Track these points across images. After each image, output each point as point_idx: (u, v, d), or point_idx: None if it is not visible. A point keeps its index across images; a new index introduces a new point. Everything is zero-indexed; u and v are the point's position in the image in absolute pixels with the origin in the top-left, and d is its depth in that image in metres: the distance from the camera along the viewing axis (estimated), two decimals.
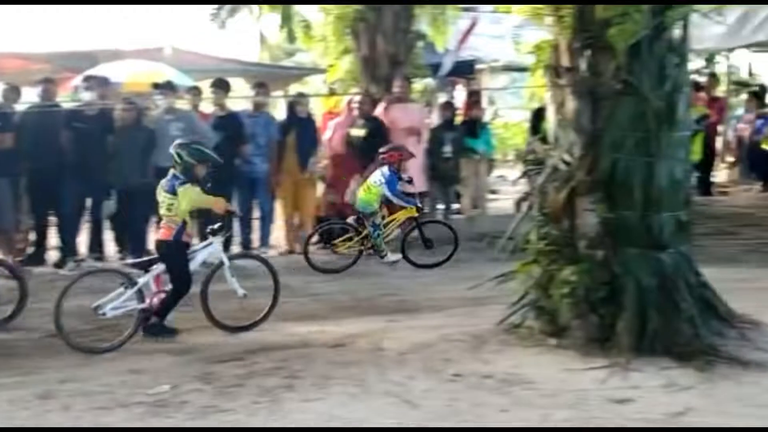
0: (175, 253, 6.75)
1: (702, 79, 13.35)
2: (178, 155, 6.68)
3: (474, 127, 11.53)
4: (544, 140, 6.64)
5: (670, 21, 5.81)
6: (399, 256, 9.29)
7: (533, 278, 6.42)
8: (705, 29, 16.16)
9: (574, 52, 6.04)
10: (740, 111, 13.06)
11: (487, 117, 15.56)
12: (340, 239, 9.41)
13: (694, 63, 17.36)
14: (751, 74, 18.06)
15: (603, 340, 5.94)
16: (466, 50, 14.17)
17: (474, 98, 13.10)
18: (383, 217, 9.28)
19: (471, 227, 10.75)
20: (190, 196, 6.63)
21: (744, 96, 12.95)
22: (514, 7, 7.13)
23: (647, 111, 5.83)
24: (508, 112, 21.65)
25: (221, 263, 7.03)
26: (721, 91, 15.97)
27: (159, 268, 6.74)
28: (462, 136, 11.14)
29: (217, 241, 7.04)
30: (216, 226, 7.04)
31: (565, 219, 6.26)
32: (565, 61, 6.13)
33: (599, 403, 5.14)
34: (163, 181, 6.79)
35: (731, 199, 10.77)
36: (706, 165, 11.57)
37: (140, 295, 6.67)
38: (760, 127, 11.19)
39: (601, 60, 5.90)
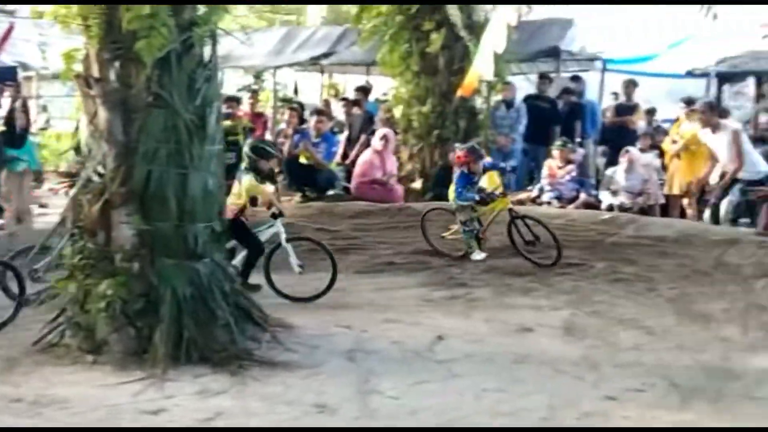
0: (237, 228, 7.64)
1: (246, 95, 13.89)
2: (246, 152, 8.10)
3: (14, 137, 10.81)
4: (78, 151, 6.42)
5: (197, 37, 5.92)
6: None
7: (70, 294, 6.18)
8: (254, 48, 16.96)
9: (104, 63, 5.92)
10: (283, 125, 13.84)
11: (36, 126, 14.74)
12: None
13: (244, 79, 18.12)
14: (296, 91, 19.18)
15: (141, 353, 5.90)
16: (8, 56, 13.27)
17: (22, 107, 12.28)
18: None
19: (12, 243, 10.04)
20: (247, 185, 7.80)
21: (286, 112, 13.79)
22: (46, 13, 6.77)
23: (179, 124, 5.90)
24: (61, 122, 20.67)
25: (280, 243, 8.01)
26: (269, 106, 16.84)
27: (232, 242, 7.55)
28: (2, 147, 10.38)
29: (278, 223, 8.01)
30: (277, 210, 8.08)
31: (101, 232, 6.12)
32: (95, 72, 5.98)
33: (132, 416, 5.06)
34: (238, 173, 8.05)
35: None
36: None
37: None
38: (296, 141, 11.92)
39: (131, 72, 5.85)
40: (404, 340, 6.66)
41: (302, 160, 11.75)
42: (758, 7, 16.67)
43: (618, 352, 6.44)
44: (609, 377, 5.89)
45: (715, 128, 9.57)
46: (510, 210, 9.09)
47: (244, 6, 16.50)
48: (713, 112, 9.86)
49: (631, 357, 6.26)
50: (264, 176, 8.14)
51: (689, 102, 11.21)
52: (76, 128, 9.97)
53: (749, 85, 14.25)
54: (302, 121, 13.13)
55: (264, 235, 8.06)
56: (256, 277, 7.84)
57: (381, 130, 11.96)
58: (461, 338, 6.74)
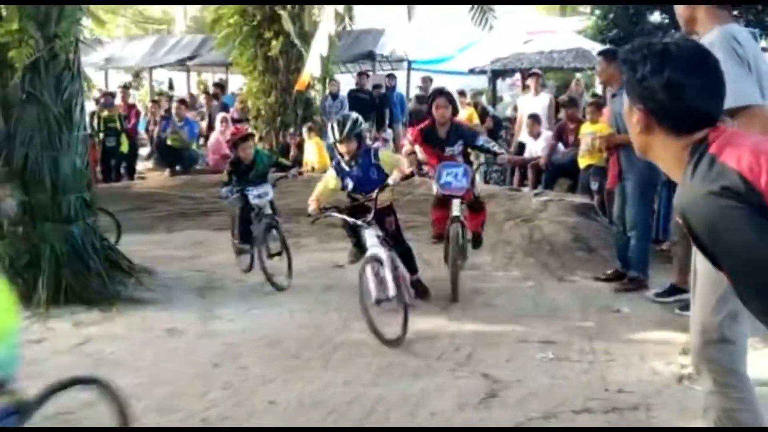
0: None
1: (119, 91, 13.63)
2: None
3: None
4: None
5: (61, 46, 5.95)
6: None
7: None
8: (130, 51, 16.58)
9: None
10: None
11: None
12: None
13: (125, 77, 17.69)
14: (171, 87, 18.90)
15: (28, 298, 5.90)
16: None
17: None
18: None
19: None
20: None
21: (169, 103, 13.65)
22: None
23: (49, 116, 5.95)
24: None
25: None
26: (147, 100, 16.53)
27: None
28: None
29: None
30: None
31: None
32: None
33: (22, 344, 5.13)
34: None
35: (148, 182, 11.26)
36: (130, 157, 11.91)
37: None
38: (164, 126, 11.88)
39: (7, 74, 5.85)
40: (245, 279, 6.90)
41: (169, 142, 11.72)
42: (524, 17, 17.75)
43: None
44: None
45: None
46: None
47: (124, 17, 16.08)
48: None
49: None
50: None
51: (462, 93, 11.87)
52: None
53: (518, 79, 15.10)
54: (168, 110, 13.05)
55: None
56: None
57: (219, 115, 12.09)
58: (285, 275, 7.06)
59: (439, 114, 6.28)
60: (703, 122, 1.78)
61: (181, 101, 12.10)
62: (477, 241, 6.72)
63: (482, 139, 6.67)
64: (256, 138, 12.45)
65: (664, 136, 1.81)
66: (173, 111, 11.91)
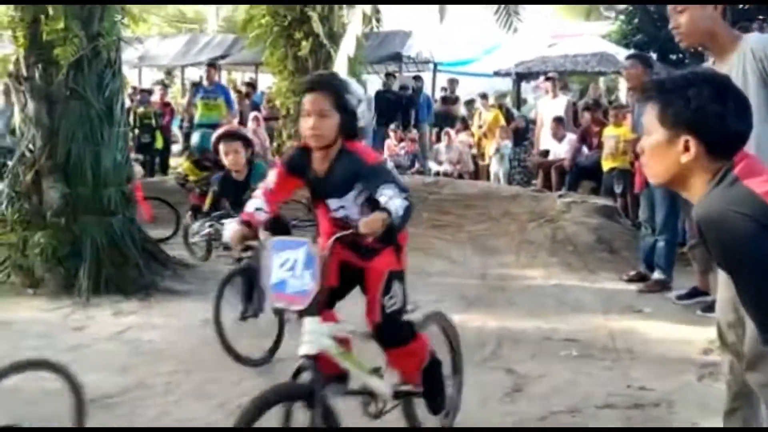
0: None
1: (157, 89, 13.82)
2: None
3: None
4: (13, 133, 6.51)
5: (104, 44, 6.10)
6: None
7: (12, 244, 6.30)
8: (165, 50, 16.81)
9: (30, 65, 6.04)
10: None
11: None
12: None
13: (158, 75, 17.91)
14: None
15: (69, 287, 6.06)
16: None
17: None
18: None
19: None
20: None
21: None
22: None
23: (91, 112, 6.09)
24: None
25: None
26: (179, 97, 16.75)
27: None
28: None
29: None
30: None
31: (34, 195, 6.26)
32: (24, 71, 6.09)
33: (62, 331, 5.26)
34: None
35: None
36: (164, 153, 12.05)
37: None
38: (195, 92, 11.46)
39: (52, 72, 6.00)
40: None
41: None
42: (549, 21, 17.72)
43: (429, 276, 6.91)
44: (419, 294, 6.43)
45: None
46: None
47: (158, 15, 16.33)
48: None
49: (437, 279, 6.72)
50: None
51: (484, 96, 11.89)
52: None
53: (542, 82, 15.07)
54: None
55: None
56: None
57: (252, 114, 12.19)
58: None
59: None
60: (741, 145, 1.88)
61: (211, 64, 11.91)
62: (432, 403, 3.32)
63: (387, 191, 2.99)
64: (285, 135, 12.75)
65: (707, 163, 1.86)
66: (204, 77, 11.56)
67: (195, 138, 9.40)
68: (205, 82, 11.38)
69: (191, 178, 8.05)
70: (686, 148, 1.86)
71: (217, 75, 11.56)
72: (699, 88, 1.86)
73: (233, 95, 15.18)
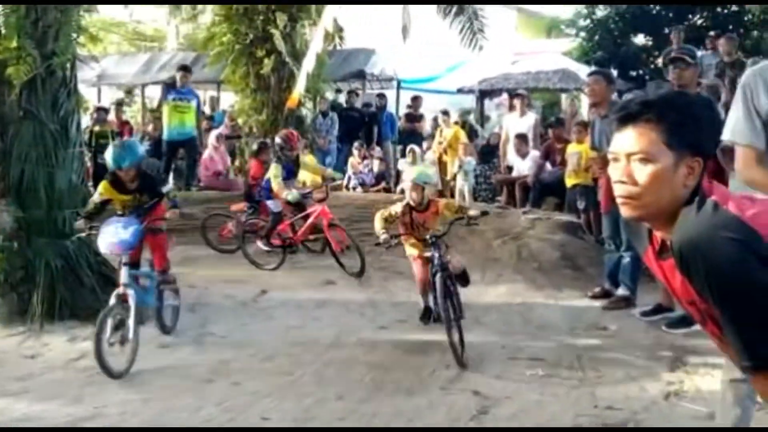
0: None
1: (113, 108, 13.56)
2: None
3: None
4: None
5: (58, 63, 5.95)
6: None
7: None
8: (123, 68, 16.59)
9: None
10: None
11: None
12: None
13: (117, 94, 17.65)
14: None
15: (23, 312, 5.88)
16: None
17: None
18: None
19: None
20: None
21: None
22: None
23: (45, 132, 5.93)
24: None
25: None
26: (139, 116, 16.50)
27: None
28: None
29: None
30: None
31: None
32: None
33: (15, 359, 5.14)
34: None
35: None
36: None
37: None
38: (166, 95, 11.39)
39: (4, 91, 5.84)
40: (236, 294, 6.91)
41: None
42: (511, 39, 17.89)
43: (393, 295, 6.91)
44: (384, 313, 6.38)
45: None
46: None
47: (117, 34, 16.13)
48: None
49: (403, 298, 6.64)
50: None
51: (445, 113, 11.91)
52: None
53: (505, 99, 15.17)
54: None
55: None
56: None
57: (213, 132, 12.05)
58: (279, 291, 7.07)
59: None
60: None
61: (184, 67, 11.64)
62: None
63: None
64: (247, 154, 12.60)
65: (693, 185, 1.76)
66: (177, 79, 11.20)
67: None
68: (178, 83, 11.16)
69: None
70: (690, 170, 1.73)
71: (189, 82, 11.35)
72: (700, 107, 1.77)
73: None
